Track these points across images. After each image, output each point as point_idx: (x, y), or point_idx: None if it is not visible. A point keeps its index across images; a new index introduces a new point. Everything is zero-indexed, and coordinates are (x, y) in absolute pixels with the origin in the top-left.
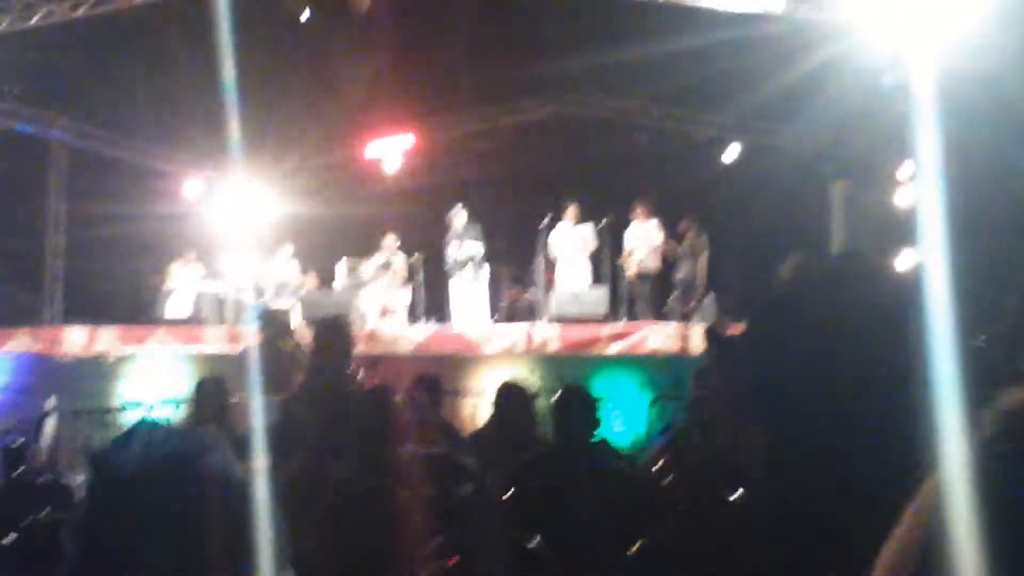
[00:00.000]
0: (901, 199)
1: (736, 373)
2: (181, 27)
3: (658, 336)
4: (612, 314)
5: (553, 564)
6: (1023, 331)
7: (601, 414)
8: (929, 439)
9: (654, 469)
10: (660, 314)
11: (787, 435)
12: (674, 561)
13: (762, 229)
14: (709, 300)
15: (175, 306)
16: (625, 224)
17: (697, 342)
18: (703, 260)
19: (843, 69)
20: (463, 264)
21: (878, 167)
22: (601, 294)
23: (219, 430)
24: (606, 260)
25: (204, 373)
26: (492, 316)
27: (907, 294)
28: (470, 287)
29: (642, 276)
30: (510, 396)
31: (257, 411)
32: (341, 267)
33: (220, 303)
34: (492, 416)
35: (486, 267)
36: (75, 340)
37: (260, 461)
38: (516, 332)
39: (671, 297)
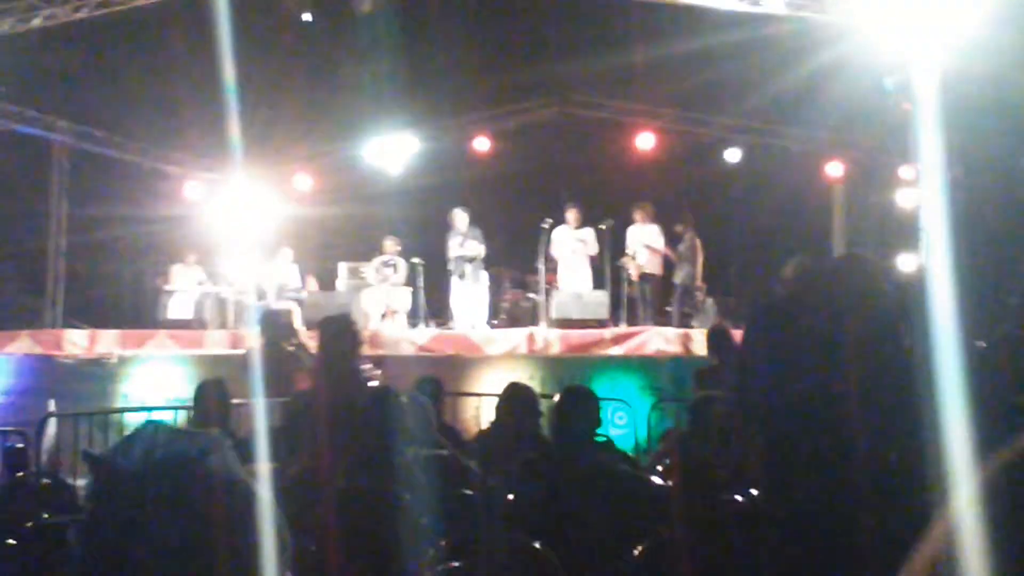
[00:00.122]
0: (904, 200)
1: (736, 374)
2: (183, 29)
3: (659, 339)
4: (613, 317)
5: (556, 565)
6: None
7: (603, 414)
8: (929, 439)
9: (656, 470)
10: (661, 317)
11: (787, 435)
12: (676, 562)
13: (765, 229)
14: (709, 303)
15: (176, 308)
16: (626, 227)
17: (698, 344)
18: (700, 262)
19: (846, 70)
20: (466, 263)
21: (880, 168)
22: (602, 297)
23: (221, 432)
24: (607, 263)
25: (206, 375)
26: (493, 318)
27: (909, 295)
28: (470, 289)
29: (643, 279)
30: (516, 397)
31: (259, 413)
32: (342, 269)
33: (221, 305)
34: (497, 417)
35: (484, 272)
36: (76, 342)
37: (263, 463)
38: (517, 335)
39: (671, 299)
